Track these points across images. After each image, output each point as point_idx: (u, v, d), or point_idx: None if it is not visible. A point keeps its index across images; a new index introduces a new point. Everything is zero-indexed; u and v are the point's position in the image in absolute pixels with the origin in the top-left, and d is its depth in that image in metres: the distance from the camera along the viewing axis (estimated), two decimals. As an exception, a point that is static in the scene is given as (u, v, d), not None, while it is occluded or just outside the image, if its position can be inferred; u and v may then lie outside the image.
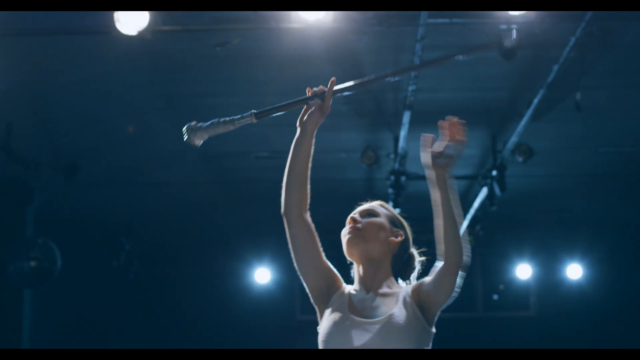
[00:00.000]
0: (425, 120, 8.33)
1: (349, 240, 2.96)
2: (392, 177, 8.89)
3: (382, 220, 3.02)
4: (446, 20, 6.18)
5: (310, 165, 2.90)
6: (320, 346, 2.84)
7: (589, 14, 6.16)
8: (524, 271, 12.14)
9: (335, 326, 2.82)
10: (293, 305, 12.58)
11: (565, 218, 11.27)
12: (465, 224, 10.95)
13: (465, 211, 10.60)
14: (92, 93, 7.88)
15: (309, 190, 2.92)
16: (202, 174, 9.98)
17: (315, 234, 2.94)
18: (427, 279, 2.87)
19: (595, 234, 11.54)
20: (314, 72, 7.73)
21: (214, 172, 9.96)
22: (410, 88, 7.26)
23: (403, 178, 8.89)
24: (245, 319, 12.25)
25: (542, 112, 8.31)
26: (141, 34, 6.04)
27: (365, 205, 3.09)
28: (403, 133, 8.14)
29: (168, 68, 7.56)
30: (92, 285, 11.48)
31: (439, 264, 2.77)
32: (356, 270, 3.02)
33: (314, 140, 2.87)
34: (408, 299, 2.86)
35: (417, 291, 2.88)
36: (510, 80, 7.59)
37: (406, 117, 7.78)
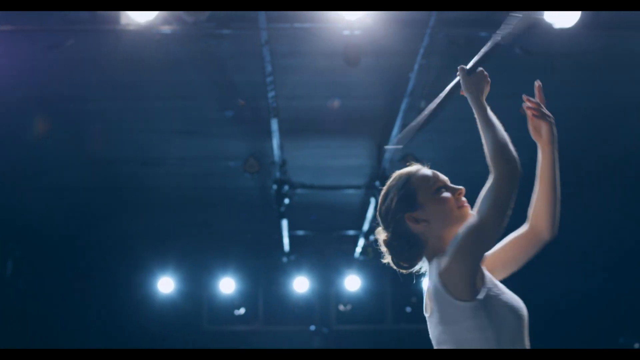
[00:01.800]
0: (297, 128, 8.13)
1: (468, 214, 2.73)
2: (275, 186, 8.68)
3: None
4: (287, 25, 5.96)
5: None
6: (504, 317, 2.56)
7: (432, 19, 5.97)
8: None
9: (512, 295, 2.71)
10: (200, 315, 12.32)
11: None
12: (362, 238, 10.75)
13: (361, 223, 10.38)
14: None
15: None
16: (92, 180, 9.68)
17: None
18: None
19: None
20: (180, 77, 7.50)
21: (104, 178, 9.67)
22: (270, 95, 7.03)
23: (286, 187, 8.67)
24: (150, 330, 11.94)
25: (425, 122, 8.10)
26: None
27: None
28: (275, 141, 7.92)
29: (29, 70, 7.31)
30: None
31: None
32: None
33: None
34: None
35: None
36: (377, 89, 7.38)
37: (274, 124, 7.55)
